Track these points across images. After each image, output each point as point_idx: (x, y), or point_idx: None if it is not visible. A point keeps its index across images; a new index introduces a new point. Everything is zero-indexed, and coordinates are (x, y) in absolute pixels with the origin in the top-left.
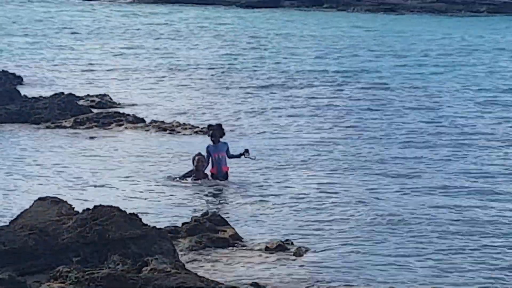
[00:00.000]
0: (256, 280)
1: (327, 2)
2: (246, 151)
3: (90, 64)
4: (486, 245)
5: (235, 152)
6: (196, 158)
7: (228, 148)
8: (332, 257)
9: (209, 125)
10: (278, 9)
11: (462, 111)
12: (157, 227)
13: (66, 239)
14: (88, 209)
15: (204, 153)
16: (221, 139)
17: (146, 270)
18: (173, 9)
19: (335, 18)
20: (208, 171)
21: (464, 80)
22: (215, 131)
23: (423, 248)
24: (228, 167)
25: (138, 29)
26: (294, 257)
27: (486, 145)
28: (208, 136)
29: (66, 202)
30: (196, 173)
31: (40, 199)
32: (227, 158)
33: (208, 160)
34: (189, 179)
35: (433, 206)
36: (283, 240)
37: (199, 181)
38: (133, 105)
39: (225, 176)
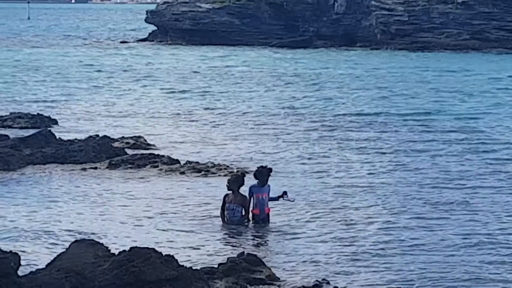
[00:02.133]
0: None
1: (360, 41)
2: (285, 193)
3: (126, 106)
4: None
5: (274, 195)
6: (232, 177)
7: (269, 190)
8: None
9: (261, 166)
10: (312, 49)
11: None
12: (193, 268)
13: (103, 281)
14: (124, 251)
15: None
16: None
17: None
18: (206, 50)
19: (371, 56)
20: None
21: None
22: (265, 173)
23: None
24: (269, 209)
25: (173, 72)
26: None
27: None
28: (255, 176)
29: (102, 244)
30: (232, 198)
31: (76, 241)
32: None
33: (254, 201)
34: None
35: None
36: (319, 279)
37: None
38: (168, 146)
39: (267, 218)
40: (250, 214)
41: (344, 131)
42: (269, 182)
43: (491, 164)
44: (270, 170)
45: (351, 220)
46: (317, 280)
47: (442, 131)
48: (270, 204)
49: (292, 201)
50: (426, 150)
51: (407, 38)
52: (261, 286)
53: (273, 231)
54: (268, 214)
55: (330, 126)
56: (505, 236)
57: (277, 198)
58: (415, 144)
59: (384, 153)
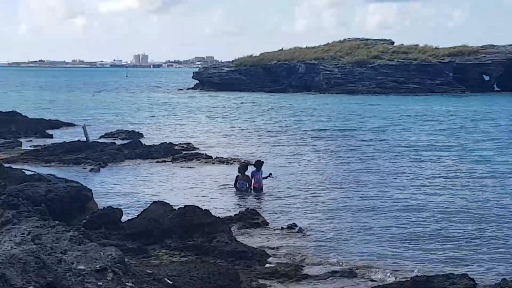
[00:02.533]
0: (274, 246)
1: (314, 89)
2: (270, 174)
3: (182, 125)
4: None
5: (264, 175)
6: (240, 164)
7: (262, 173)
8: (322, 235)
9: (258, 160)
10: (287, 94)
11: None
12: (220, 217)
13: (169, 224)
14: (181, 207)
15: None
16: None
17: (215, 241)
18: (229, 95)
19: (321, 98)
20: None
21: (403, 135)
22: (260, 163)
23: (395, 229)
24: (263, 184)
25: (210, 106)
26: (297, 233)
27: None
28: (254, 165)
29: (169, 203)
30: (240, 177)
31: (154, 202)
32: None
33: (251, 179)
34: (237, 185)
35: (402, 200)
36: (291, 223)
37: (241, 182)
38: (206, 149)
39: (261, 190)
40: (252, 187)
41: (307, 139)
42: (262, 169)
43: (392, 158)
44: (263, 162)
45: (312, 190)
46: (289, 223)
47: (363, 140)
48: (263, 181)
49: (275, 178)
50: (354, 150)
51: (340, 87)
52: (258, 228)
53: (265, 196)
54: (262, 187)
55: (300, 137)
56: (402, 200)
57: (266, 177)
58: (348, 147)
59: (331, 152)
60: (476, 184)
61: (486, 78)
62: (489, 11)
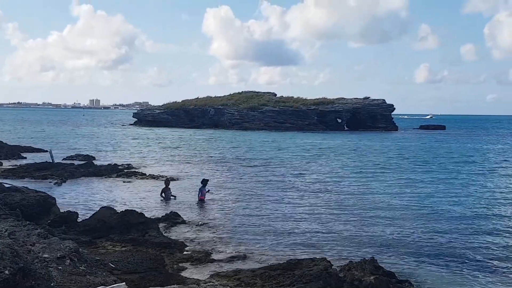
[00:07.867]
0: (190, 238)
1: (221, 126)
2: (208, 190)
3: (124, 151)
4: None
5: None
6: (166, 179)
7: (205, 188)
8: (225, 230)
9: (203, 179)
10: (202, 129)
11: (304, 170)
12: (151, 217)
13: (114, 223)
14: (122, 211)
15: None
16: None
17: (147, 235)
18: (160, 130)
19: (228, 132)
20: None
21: (291, 158)
22: (206, 181)
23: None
24: (204, 196)
25: (147, 136)
26: (207, 229)
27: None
28: (202, 182)
29: (113, 208)
30: (165, 189)
31: (102, 207)
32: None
33: (199, 193)
34: (163, 194)
35: (276, 198)
36: (203, 222)
37: (167, 192)
38: (141, 168)
39: (204, 201)
40: (199, 199)
41: (234, 164)
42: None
43: (281, 176)
44: (207, 180)
45: (218, 199)
46: (201, 222)
47: (270, 164)
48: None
49: (212, 193)
50: (267, 167)
51: (239, 125)
52: (178, 225)
53: (183, 203)
54: (204, 199)
55: (230, 163)
56: (283, 206)
57: (207, 191)
58: (267, 169)
59: (254, 169)
60: (340, 189)
61: (339, 120)
62: (342, 75)
